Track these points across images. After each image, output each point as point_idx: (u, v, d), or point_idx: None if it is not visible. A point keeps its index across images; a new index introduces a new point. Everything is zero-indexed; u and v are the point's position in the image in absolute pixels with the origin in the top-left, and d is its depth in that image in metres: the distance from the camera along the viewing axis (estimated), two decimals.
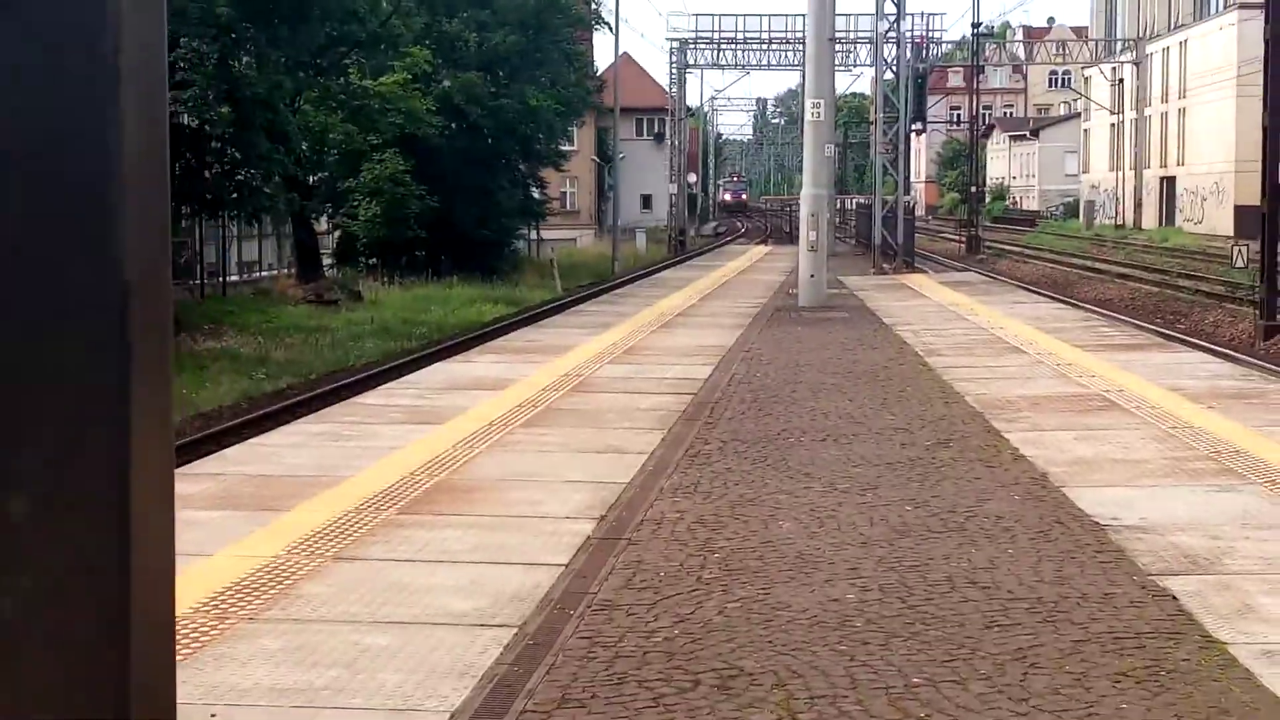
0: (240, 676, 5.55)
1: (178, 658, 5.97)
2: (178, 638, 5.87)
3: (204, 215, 34.35)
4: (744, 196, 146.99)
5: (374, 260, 47.80)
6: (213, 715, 5.15)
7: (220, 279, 39.07)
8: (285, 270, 44.23)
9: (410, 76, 42.75)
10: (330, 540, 7.69)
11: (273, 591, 6.71)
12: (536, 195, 59.28)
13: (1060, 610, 6.41)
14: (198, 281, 37.46)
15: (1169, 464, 9.71)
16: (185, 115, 30.65)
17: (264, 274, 43.19)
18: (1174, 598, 6.56)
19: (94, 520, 2.21)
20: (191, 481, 9.33)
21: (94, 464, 2.14)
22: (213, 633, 6.08)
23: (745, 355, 17.33)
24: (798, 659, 5.80)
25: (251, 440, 11.70)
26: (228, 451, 10.93)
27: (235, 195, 32.88)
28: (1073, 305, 29.35)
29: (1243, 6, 63.75)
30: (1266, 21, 25.41)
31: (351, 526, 8.01)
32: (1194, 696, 5.33)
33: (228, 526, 8.00)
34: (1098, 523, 8.06)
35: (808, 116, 24.72)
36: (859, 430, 11.47)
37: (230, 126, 30.51)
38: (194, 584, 6.80)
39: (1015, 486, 9.14)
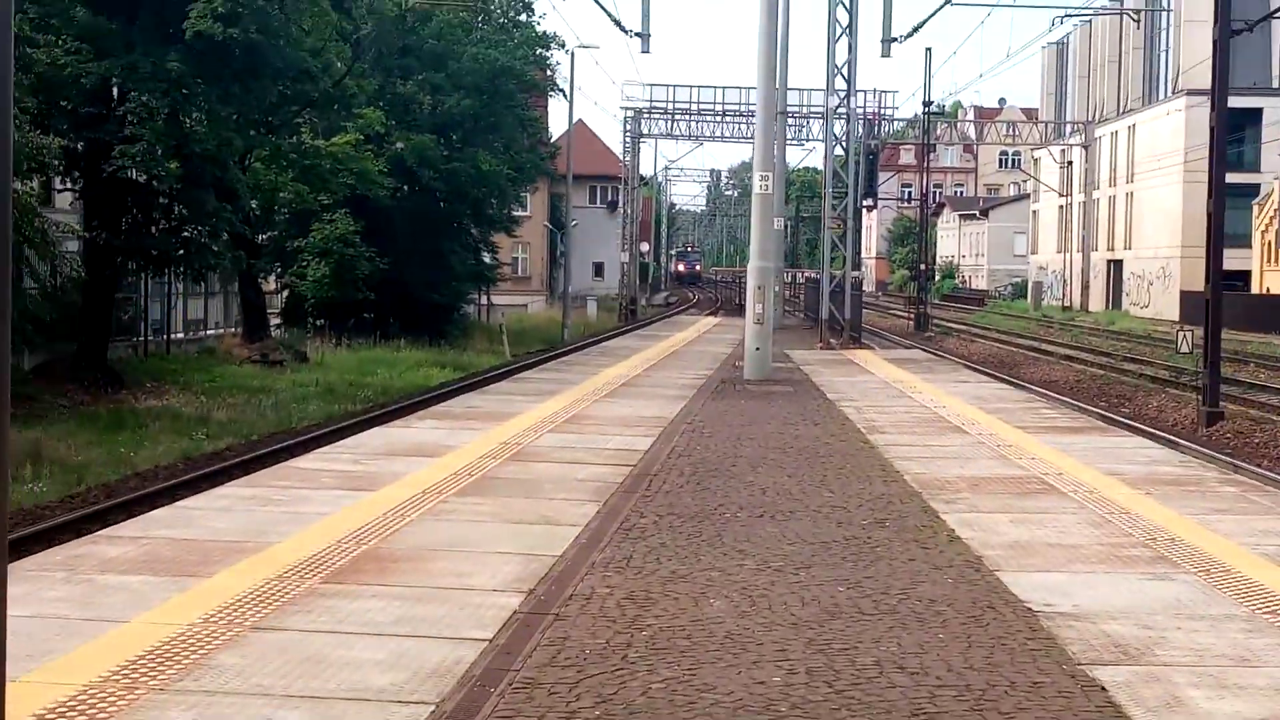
0: None
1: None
2: (85, 708, 5.70)
3: (149, 272, 34.03)
4: (697, 267, 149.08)
5: (321, 321, 47.60)
6: None
7: (165, 336, 38.83)
8: (231, 329, 43.99)
9: (362, 137, 42.77)
10: (250, 608, 7.54)
11: (186, 661, 6.54)
12: (488, 259, 59.33)
13: (988, 699, 6.32)
14: (142, 339, 37.22)
15: (1104, 550, 9.68)
16: (133, 170, 30.45)
17: (209, 332, 42.93)
18: (1103, 688, 6.49)
19: None
20: (114, 544, 9.17)
21: None
22: (120, 703, 5.91)
23: (688, 427, 17.23)
24: None
25: (179, 503, 11.50)
26: (154, 513, 10.75)
27: (182, 252, 32.61)
28: (1017, 386, 29.52)
29: (1190, 93, 64.68)
30: (1212, 109, 25.73)
31: (273, 595, 7.86)
32: None
33: (146, 592, 7.83)
34: (1031, 609, 7.99)
35: (755, 189, 24.79)
36: (796, 507, 11.39)
37: (178, 182, 30.28)
38: (106, 652, 6.63)
39: (950, 569, 9.07)
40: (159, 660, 6.54)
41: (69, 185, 32.30)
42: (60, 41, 28.46)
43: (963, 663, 6.89)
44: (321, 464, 13.37)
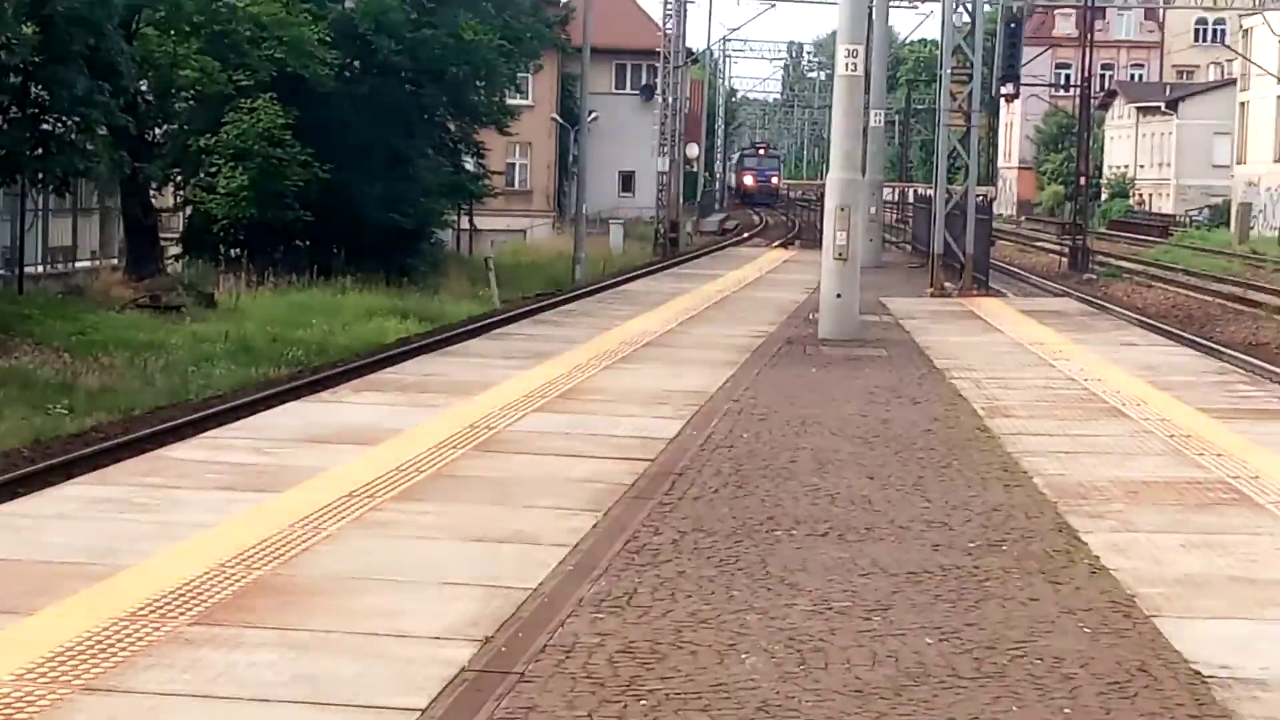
0: None
1: None
2: None
3: None
4: (774, 179, 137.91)
5: (237, 251, 47.71)
6: None
7: (17, 271, 38.85)
8: (111, 262, 44.07)
9: None
10: (83, 661, 7.45)
11: None
12: (471, 167, 59.37)
13: None
14: None
15: None
16: None
17: (80, 265, 43.09)
18: None
19: None
20: None
21: None
22: None
23: (733, 406, 17.13)
24: None
25: (2, 507, 11.45)
26: None
27: (40, 152, 32.65)
28: (1207, 351, 29.23)
29: None
30: None
31: (118, 641, 7.78)
32: None
33: None
34: (1199, 673, 7.84)
35: (839, 69, 24.49)
36: (876, 523, 11.25)
37: (35, 54, 30.29)
38: None
39: (1088, 613, 8.91)
40: None
41: None
42: None
43: None
44: (209, 454, 13.32)
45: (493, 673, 7.60)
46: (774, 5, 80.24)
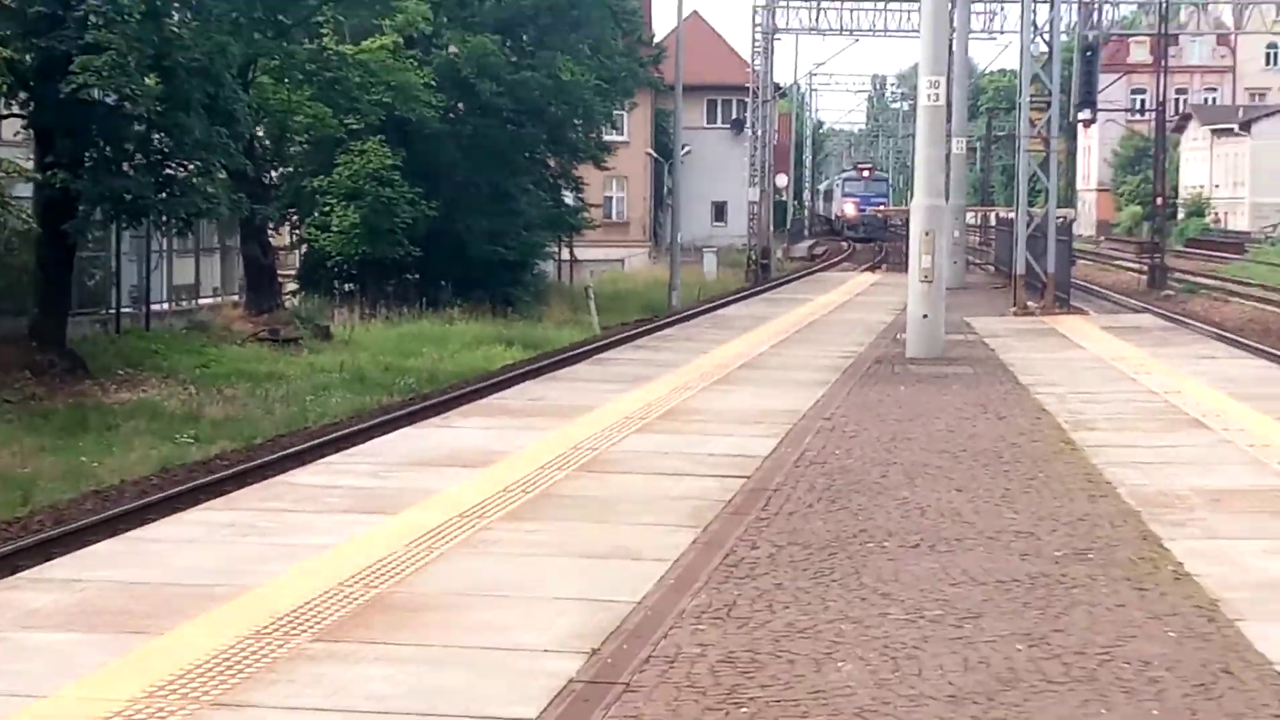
0: None
1: None
2: None
3: (122, 223, 34.30)
4: (881, 205, 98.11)
5: (350, 285, 47.95)
6: None
7: (144, 308, 39.12)
8: (232, 298, 44.32)
9: (402, 40, 42.97)
10: (211, 678, 7.48)
11: None
12: (571, 201, 59.40)
13: None
14: (113, 311, 37.54)
15: None
16: (98, 88, 30.66)
17: (203, 302, 43.24)
18: None
19: None
20: (40, 590, 9.18)
21: None
22: None
23: (825, 424, 17.05)
24: None
25: (133, 533, 11.54)
26: (97, 547, 10.79)
27: (164, 196, 32.84)
28: None
29: None
30: None
31: (245, 658, 7.81)
32: None
33: (75, 655, 7.81)
34: None
35: (922, 100, 24.44)
36: (966, 534, 11.17)
37: (158, 103, 30.50)
38: None
39: (1173, 619, 8.82)
40: None
41: (15, 110, 32.60)
42: None
43: None
44: (328, 478, 13.38)
45: (600, 683, 7.58)
46: (857, 40, 79.64)
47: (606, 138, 62.16)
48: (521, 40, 51.55)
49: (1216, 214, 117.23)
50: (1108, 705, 7.29)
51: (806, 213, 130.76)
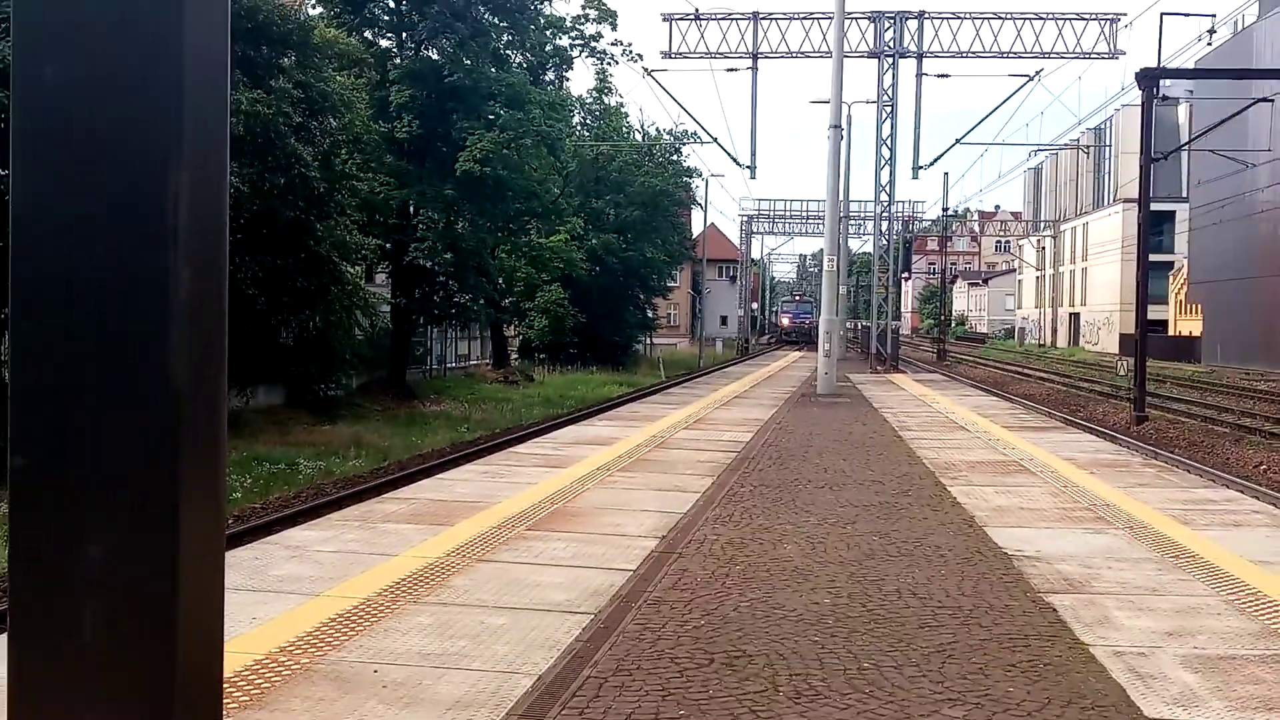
0: (399, 644, 5.31)
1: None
2: (361, 615, 5.65)
3: (432, 325, 34.58)
4: (808, 321, 76.06)
5: (543, 355, 47.95)
6: (375, 670, 4.91)
7: (442, 366, 39.34)
8: (485, 360, 44.47)
9: (569, 236, 43.05)
10: (478, 547, 7.45)
11: (431, 583, 6.46)
12: (650, 314, 59.23)
13: (973, 616, 5.96)
14: (428, 367, 37.77)
15: (1059, 513, 9.16)
16: (422, 259, 30.91)
17: (471, 363, 43.40)
18: (1054, 610, 6.08)
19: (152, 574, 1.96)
20: (393, 503, 9.20)
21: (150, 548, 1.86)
22: (387, 611, 5.85)
23: (776, 426, 16.85)
24: (785, 645, 5.43)
25: (439, 475, 11.55)
26: (422, 482, 10.78)
27: (454, 311, 33.05)
28: (1005, 398, 28.45)
29: (1125, 201, 63.23)
30: (1140, 211, 24.91)
31: (493, 538, 7.76)
32: (1062, 683, 4.88)
33: (410, 535, 7.79)
34: (1006, 553, 7.56)
35: (825, 266, 24.31)
36: (847, 481, 11.02)
37: (451, 267, 30.72)
38: (380, 577, 6.59)
39: (951, 526, 8.64)
40: (414, 583, 6.47)
41: (383, 269, 32.97)
42: (376, 178, 29.17)
43: (957, 591, 6.52)
44: (532, 449, 13.30)
45: (666, 553, 7.47)
46: (792, 238, 79.40)
47: (669, 284, 62.03)
48: (627, 237, 51.38)
49: (971, 324, 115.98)
50: (919, 568, 7.14)
51: (768, 323, 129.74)
